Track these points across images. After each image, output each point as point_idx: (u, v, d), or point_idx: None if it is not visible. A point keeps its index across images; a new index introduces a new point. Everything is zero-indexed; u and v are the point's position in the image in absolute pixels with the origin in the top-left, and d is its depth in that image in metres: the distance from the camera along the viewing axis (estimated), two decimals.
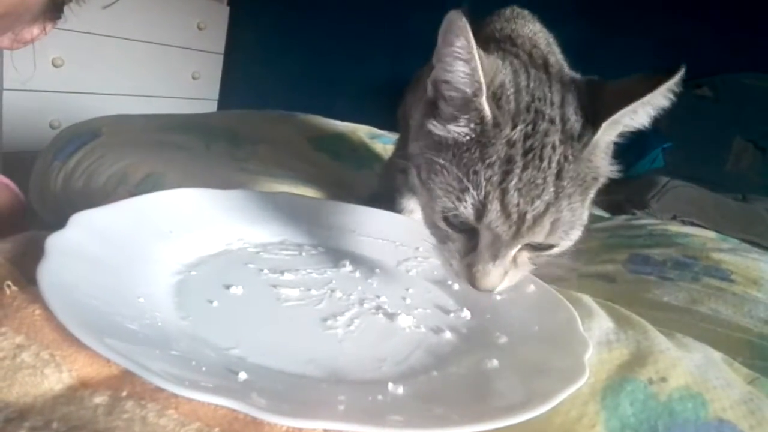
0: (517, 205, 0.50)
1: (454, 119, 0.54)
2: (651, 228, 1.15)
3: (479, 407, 0.38)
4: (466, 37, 0.50)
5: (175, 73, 2.73)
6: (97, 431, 0.28)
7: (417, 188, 0.61)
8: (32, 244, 0.52)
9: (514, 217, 0.50)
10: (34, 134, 2.22)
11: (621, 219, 1.31)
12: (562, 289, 0.64)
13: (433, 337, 0.52)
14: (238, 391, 0.34)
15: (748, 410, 0.48)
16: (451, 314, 0.57)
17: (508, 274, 0.55)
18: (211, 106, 2.95)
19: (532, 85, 0.56)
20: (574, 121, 0.53)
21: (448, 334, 0.53)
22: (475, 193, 0.51)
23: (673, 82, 0.50)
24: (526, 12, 0.79)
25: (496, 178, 0.50)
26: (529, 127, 0.52)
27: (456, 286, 0.64)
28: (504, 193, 0.50)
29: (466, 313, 0.57)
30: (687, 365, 0.51)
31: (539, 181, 0.50)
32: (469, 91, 0.52)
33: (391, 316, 0.54)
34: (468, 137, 0.53)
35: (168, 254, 0.58)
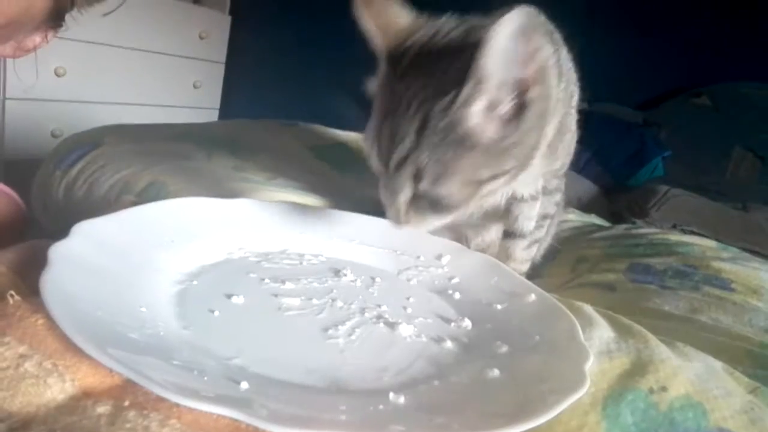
0: (386, 149, 0.60)
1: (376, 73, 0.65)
2: (651, 237, 1.15)
3: (480, 416, 0.38)
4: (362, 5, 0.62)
5: (177, 82, 2.74)
6: None
7: None
8: (35, 254, 0.52)
9: (384, 160, 0.61)
10: (35, 143, 2.23)
11: (621, 228, 1.31)
12: (563, 298, 0.64)
13: (435, 347, 0.52)
14: (240, 400, 0.34)
15: (749, 420, 0.48)
16: (452, 323, 0.58)
17: (421, 218, 0.64)
18: (213, 115, 2.96)
19: (433, 47, 0.62)
20: (452, 80, 0.57)
21: (449, 344, 0.53)
22: (369, 138, 0.63)
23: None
24: None
25: (376, 124, 0.61)
26: (410, 82, 0.59)
27: (457, 295, 0.64)
28: (378, 138, 0.61)
29: (467, 323, 0.57)
30: (687, 374, 0.51)
31: (403, 129, 0.59)
32: (380, 47, 0.64)
33: (392, 326, 0.54)
34: (378, 88, 0.64)
35: (170, 263, 0.58)
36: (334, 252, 0.72)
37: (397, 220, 0.65)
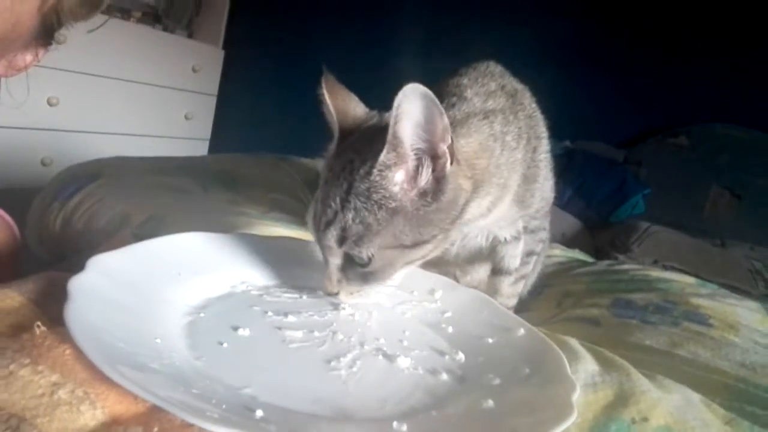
0: (319, 214, 0.65)
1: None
2: (633, 273, 1.20)
3: None
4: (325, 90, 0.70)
5: (169, 113, 2.78)
6: None
7: None
8: (51, 284, 0.55)
9: (316, 224, 0.65)
10: (25, 171, 2.24)
11: (604, 264, 1.35)
12: (550, 332, 0.68)
13: (431, 379, 0.55)
14: (258, 426, 0.37)
15: None
16: (446, 356, 0.61)
17: (353, 287, 0.67)
18: (203, 146, 3.00)
19: (372, 130, 0.69)
20: (376, 150, 0.62)
21: (444, 376, 0.56)
22: (309, 209, 0.69)
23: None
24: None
25: (316, 196, 0.67)
26: (345, 155, 0.66)
27: (450, 329, 0.67)
28: (316, 203, 0.66)
29: (461, 356, 0.60)
30: (667, 406, 0.54)
31: (332, 194, 0.64)
32: (335, 128, 0.71)
33: (390, 358, 0.57)
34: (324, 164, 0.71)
35: (177, 296, 0.61)
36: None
37: (330, 288, 0.67)
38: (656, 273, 1.21)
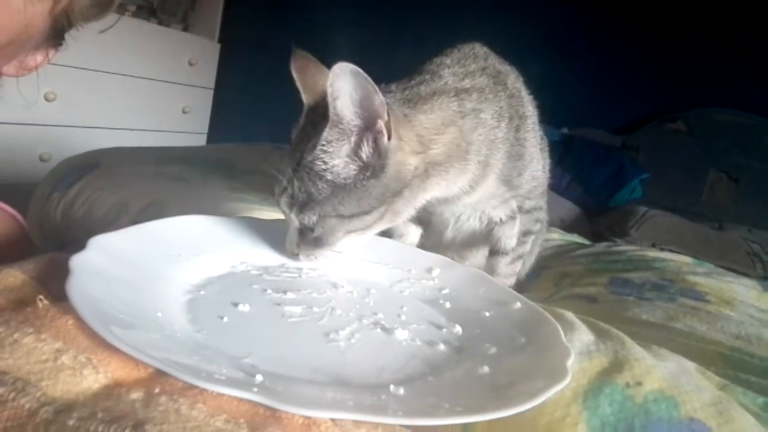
0: (279, 181, 0.70)
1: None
2: (630, 254, 1.21)
3: (471, 402, 0.42)
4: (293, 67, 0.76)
5: (166, 107, 2.79)
6: (138, 420, 0.32)
7: None
8: (52, 264, 0.56)
9: (277, 190, 0.71)
10: (24, 167, 2.25)
11: (602, 246, 1.36)
12: (546, 306, 0.69)
13: (428, 349, 0.56)
14: (259, 387, 0.38)
15: (717, 411, 0.52)
16: (444, 329, 0.61)
17: (309, 251, 0.71)
18: (201, 140, 3.00)
19: None
20: (323, 126, 0.67)
21: (441, 347, 0.57)
22: None
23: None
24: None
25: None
26: (304, 129, 0.72)
27: (447, 304, 0.68)
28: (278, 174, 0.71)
29: (458, 329, 0.61)
30: (661, 372, 0.55)
31: (287, 164, 0.70)
32: (304, 103, 0.75)
33: (388, 331, 0.58)
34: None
35: (178, 275, 0.62)
36: (330, 266, 0.76)
37: (289, 249, 0.72)
38: (653, 253, 1.22)
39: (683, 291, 0.94)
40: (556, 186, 1.93)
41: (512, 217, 0.90)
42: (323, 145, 0.66)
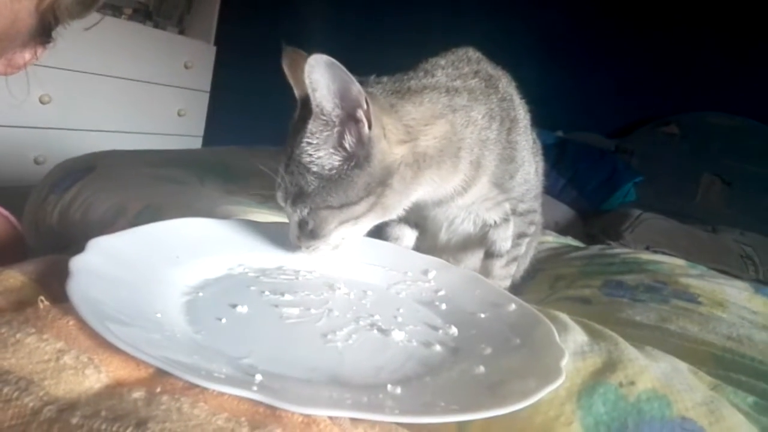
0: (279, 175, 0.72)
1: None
2: (624, 256, 1.22)
3: (466, 400, 0.43)
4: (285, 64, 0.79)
5: (162, 110, 2.79)
6: (140, 418, 0.33)
7: None
8: (52, 266, 0.56)
9: (276, 184, 0.73)
10: (17, 169, 2.24)
11: (596, 248, 1.37)
12: (541, 307, 0.70)
13: (425, 350, 0.57)
14: (258, 386, 0.39)
15: (708, 410, 0.53)
16: (440, 331, 0.62)
17: (309, 244, 0.72)
18: (196, 142, 3.00)
19: None
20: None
21: (437, 347, 0.57)
22: None
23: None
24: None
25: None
26: (297, 123, 0.72)
27: (443, 306, 0.69)
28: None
29: (454, 330, 0.62)
30: (654, 372, 0.56)
31: (282, 159, 0.72)
32: (297, 97, 0.76)
33: (385, 332, 0.59)
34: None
35: (176, 277, 0.62)
36: (327, 268, 0.77)
37: (292, 242, 0.74)
38: (647, 256, 1.23)
39: (676, 293, 0.95)
40: (550, 189, 1.94)
41: (506, 220, 0.91)
42: (308, 137, 0.68)
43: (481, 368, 0.51)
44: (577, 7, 2.49)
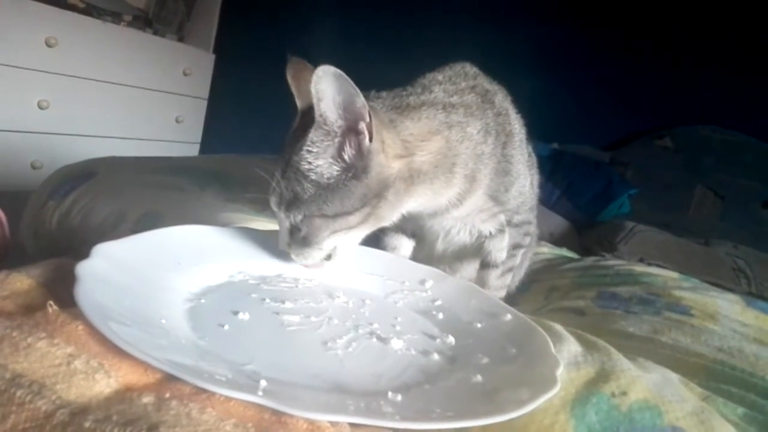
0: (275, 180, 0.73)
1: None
2: (618, 268, 1.23)
3: (464, 407, 0.44)
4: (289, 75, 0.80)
5: (160, 116, 2.79)
6: (151, 423, 0.34)
7: None
8: (58, 270, 0.57)
9: (270, 189, 0.73)
10: (15, 174, 2.24)
11: (590, 260, 1.39)
12: (536, 318, 0.71)
13: (423, 359, 0.58)
14: (263, 390, 0.40)
15: (698, 420, 0.54)
16: (437, 339, 0.64)
17: (299, 251, 0.73)
18: (194, 149, 3.01)
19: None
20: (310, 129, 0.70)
21: (435, 356, 0.59)
22: None
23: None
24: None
25: None
26: (296, 131, 0.74)
27: (440, 315, 0.70)
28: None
29: (451, 339, 0.63)
30: (646, 382, 0.57)
31: (279, 165, 0.72)
32: (298, 108, 0.79)
33: (384, 340, 0.60)
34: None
35: (179, 283, 0.63)
36: (326, 277, 0.78)
37: (281, 248, 0.75)
38: (640, 268, 1.24)
39: (669, 305, 0.97)
40: (545, 200, 1.96)
41: (501, 231, 0.92)
42: (309, 145, 0.69)
43: (478, 377, 0.52)
44: (573, 20, 2.52)
